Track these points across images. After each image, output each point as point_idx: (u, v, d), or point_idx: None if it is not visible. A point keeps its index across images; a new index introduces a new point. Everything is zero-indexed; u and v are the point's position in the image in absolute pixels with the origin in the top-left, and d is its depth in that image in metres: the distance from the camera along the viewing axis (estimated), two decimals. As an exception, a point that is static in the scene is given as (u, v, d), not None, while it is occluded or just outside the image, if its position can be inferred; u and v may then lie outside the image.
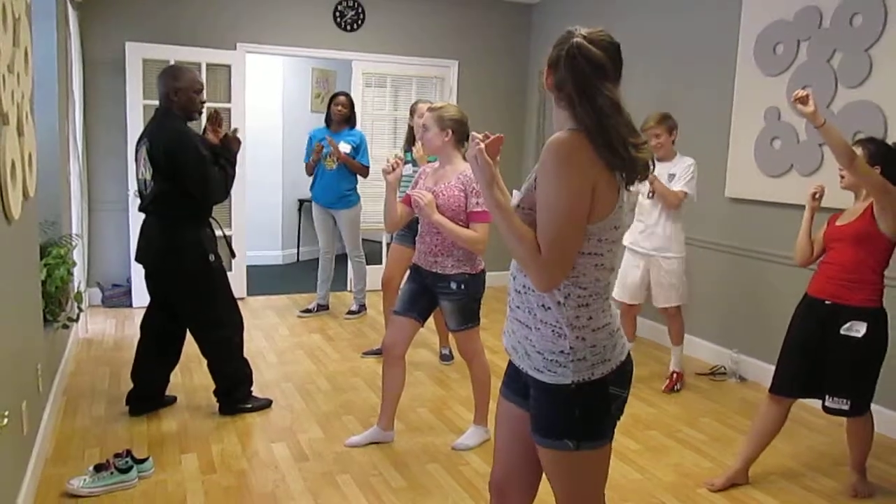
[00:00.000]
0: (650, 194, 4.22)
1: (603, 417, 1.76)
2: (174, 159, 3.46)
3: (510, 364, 1.92)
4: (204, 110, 3.76)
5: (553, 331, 1.71)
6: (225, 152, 3.64)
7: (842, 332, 2.97)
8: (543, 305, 1.72)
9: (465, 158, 3.16)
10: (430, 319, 3.70)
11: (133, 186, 4.65)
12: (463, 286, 3.29)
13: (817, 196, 3.24)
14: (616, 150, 1.64)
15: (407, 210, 3.42)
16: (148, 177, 3.55)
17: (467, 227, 3.21)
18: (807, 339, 3.09)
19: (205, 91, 3.73)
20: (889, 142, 3.04)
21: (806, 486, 3.25)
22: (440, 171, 3.37)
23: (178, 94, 3.54)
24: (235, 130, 3.75)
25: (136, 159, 3.64)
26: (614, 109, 1.66)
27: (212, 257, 3.63)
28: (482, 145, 1.78)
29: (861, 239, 2.96)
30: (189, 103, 3.57)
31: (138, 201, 3.72)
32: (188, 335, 3.80)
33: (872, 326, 2.95)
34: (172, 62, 5.28)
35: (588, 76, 1.66)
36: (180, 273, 3.59)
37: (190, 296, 3.64)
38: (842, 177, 3.06)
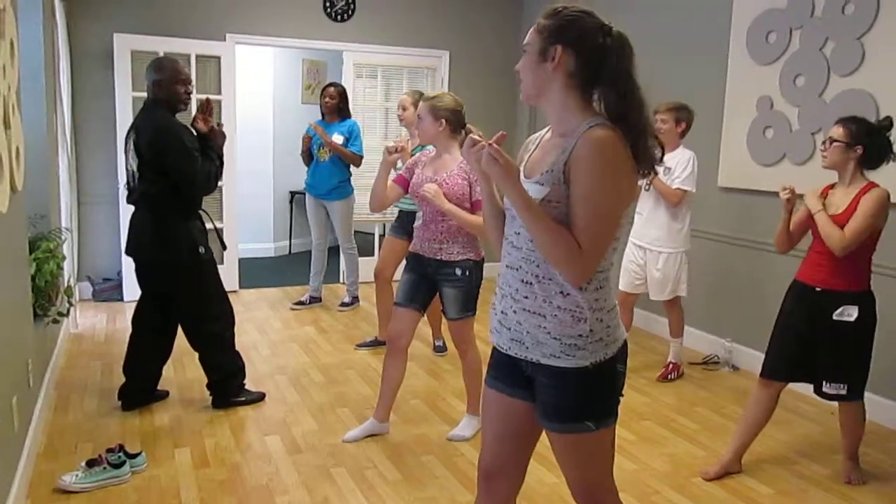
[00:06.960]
0: (647, 186, 4.21)
1: (616, 395, 1.82)
2: (159, 151, 3.43)
3: (500, 356, 1.91)
4: (193, 101, 3.72)
5: (573, 315, 1.72)
6: (211, 143, 3.61)
7: (834, 317, 2.98)
8: (562, 292, 1.73)
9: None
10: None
11: (122, 179, 4.62)
12: (468, 272, 3.31)
13: (789, 199, 3.18)
14: (647, 145, 1.69)
15: (397, 191, 3.41)
16: (135, 167, 3.53)
17: (472, 214, 3.22)
18: (798, 325, 3.10)
19: (193, 82, 3.69)
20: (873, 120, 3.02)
21: (799, 473, 3.27)
22: (438, 161, 3.35)
23: (162, 86, 3.51)
24: (220, 125, 3.72)
25: (125, 150, 3.61)
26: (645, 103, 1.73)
27: (202, 250, 3.60)
28: (492, 147, 1.75)
29: None
30: (174, 95, 3.53)
31: (127, 193, 3.69)
32: (180, 328, 3.78)
33: (863, 309, 2.98)
34: (161, 54, 5.22)
35: (632, 69, 1.72)
36: (171, 266, 3.56)
37: (181, 289, 3.62)
38: (824, 157, 3.06)
